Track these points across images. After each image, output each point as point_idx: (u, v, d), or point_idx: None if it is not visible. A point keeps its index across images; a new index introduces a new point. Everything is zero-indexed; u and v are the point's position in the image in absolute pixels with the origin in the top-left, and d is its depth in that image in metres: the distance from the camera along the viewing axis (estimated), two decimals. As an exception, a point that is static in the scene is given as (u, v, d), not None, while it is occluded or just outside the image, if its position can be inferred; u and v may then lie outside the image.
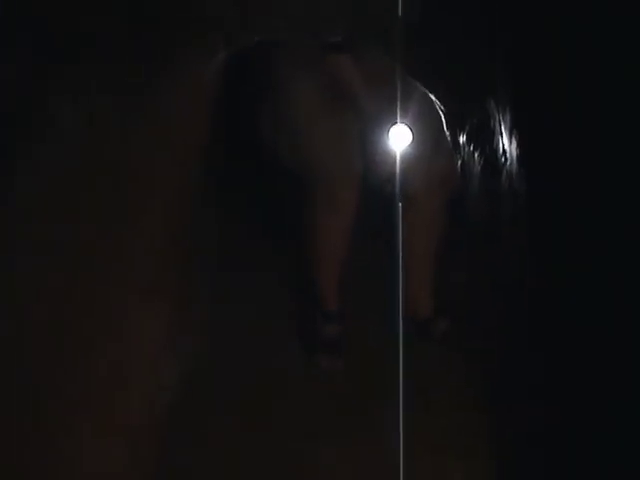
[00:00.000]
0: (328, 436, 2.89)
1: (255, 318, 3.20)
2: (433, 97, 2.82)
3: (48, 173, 2.27)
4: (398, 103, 2.79)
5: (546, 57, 2.70)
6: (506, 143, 2.94)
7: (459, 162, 2.88)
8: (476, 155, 2.99)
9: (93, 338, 2.22)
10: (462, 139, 2.86)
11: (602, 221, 2.72)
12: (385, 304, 3.14)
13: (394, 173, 2.88)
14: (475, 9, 2.77)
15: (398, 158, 2.84)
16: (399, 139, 2.81)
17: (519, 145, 2.95)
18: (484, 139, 2.96)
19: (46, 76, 2.35)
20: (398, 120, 2.81)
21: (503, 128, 2.93)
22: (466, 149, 2.94)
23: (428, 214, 2.95)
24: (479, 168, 2.98)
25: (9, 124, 2.30)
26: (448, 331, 3.04)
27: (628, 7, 2.78)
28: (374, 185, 3.01)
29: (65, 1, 2.50)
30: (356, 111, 2.88)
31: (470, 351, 2.98)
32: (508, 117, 2.90)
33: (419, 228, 2.99)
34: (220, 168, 3.14)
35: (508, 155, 2.95)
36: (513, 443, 2.69)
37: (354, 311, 3.18)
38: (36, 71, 2.38)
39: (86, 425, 2.21)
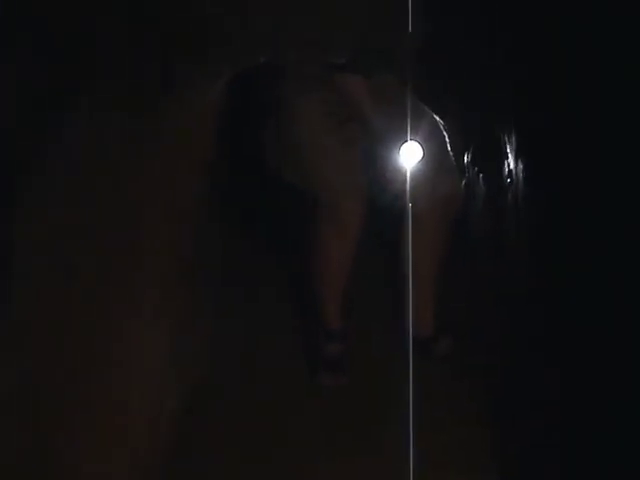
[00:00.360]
0: (330, 453, 2.88)
1: (258, 332, 3.19)
2: (438, 118, 2.84)
3: (51, 180, 2.29)
4: (408, 121, 2.79)
5: (549, 74, 2.72)
6: (511, 163, 2.97)
7: (463, 183, 2.89)
8: (481, 176, 3.00)
9: (96, 348, 2.22)
10: (466, 160, 2.87)
11: (604, 235, 2.74)
12: (389, 321, 3.15)
13: (404, 190, 2.87)
14: (478, 28, 2.79)
15: (408, 175, 2.83)
16: (409, 156, 2.81)
17: (525, 166, 2.98)
18: (489, 160, 2.97)
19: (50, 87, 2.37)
20: (408, 138, 2.81)
21: (508, 149, 2.95)
22: (470, 170, 2.96)
23: (432, 234, 2.96)
24: (484, 189, 2.99)
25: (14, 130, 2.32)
26: (450, 349, 3.03)
27: (628, 7, 2.79)
28: (380, 201, 3.01)
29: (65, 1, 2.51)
30: (364, 129, 2.88)
31: (473, 367, 2.98)
32: (513, 138, 2.93)
33: (423, 247, 2.99)
34: (224, 183, 3.13)
35: (514, 176, 2.98)
36: (516, 458, 2.70)
37: (357, 328, 3.17)
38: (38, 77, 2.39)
39: (87, 430, 2.20)
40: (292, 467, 2.82)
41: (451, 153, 2.84)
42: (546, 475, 2.63)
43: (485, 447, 2.82)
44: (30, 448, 2.05)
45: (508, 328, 2.97)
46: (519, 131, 2.93)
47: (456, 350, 3.03)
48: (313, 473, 2.83)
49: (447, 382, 2.97)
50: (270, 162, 2.91)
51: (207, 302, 2.91)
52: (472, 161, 2.95)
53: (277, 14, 2.48)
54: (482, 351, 3.00)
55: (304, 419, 2.95)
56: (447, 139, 2.83)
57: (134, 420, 2.34)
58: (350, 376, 3.04)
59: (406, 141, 2.83)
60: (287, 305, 3.24)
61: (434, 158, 2.83)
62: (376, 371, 3.05)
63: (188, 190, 2.55)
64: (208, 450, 2.83)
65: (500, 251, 3.09)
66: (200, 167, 2.63)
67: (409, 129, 2.81)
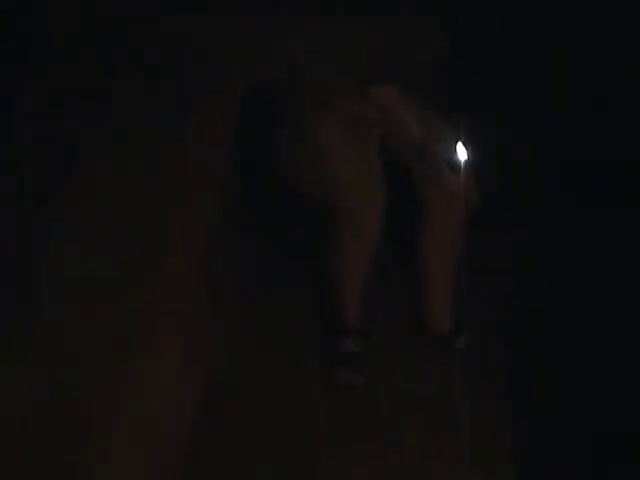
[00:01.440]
0: (346, 452, 2.91)
1: (272, 336, 3.22)
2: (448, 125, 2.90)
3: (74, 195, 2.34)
4: (462, 121, 2.86)
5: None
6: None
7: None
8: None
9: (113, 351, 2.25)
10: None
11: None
12: (405, 320, 3.19)
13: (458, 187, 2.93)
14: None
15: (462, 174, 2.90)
16: (462, 154, 2.88)
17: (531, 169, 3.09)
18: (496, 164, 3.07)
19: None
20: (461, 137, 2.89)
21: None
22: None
23: (448, 228, 3.01)
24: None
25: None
26: (468, 345, 3.08)
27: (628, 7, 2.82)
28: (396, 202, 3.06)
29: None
30: (403, 136, 2.93)
31: (488, 363, 3.04)
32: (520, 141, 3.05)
33: (440, 245, 3.05)
34: (240, 196, 3.16)
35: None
36: (533, 456, 2.74)
37: (375, 329, 3.20)
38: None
39: (105, 435, 2.23)
40: (296, 470, 2.84)
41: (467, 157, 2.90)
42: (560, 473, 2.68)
43: (502, 446, 2.85)
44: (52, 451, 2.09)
45: (524, 325, 3.05)
46: (525, 135, 3.03)
47: (474, 346, 3.07)
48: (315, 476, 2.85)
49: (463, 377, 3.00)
50: (289, 173, 2.94)
51: (222, 308, 2.94)
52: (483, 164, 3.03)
53: (294, 29, 2.53)
54: (497, 347, 3.05)
55: (316, 422, 2.97)
56: (462, 144, 2.88)
57: (149, 423, 2.36)
58: (365, 377, 3.06)
59: (459, 140, 2.89)
60: (302, 310, 3.27)
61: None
62: (392, 372, 3.08)
63: (205, 207, 2.58)
64: (218, 452, 2.85)
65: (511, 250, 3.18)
66: (216, 182, 2.65)
67: (462, 129, 2.87)
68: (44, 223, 2.22)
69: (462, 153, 2.78)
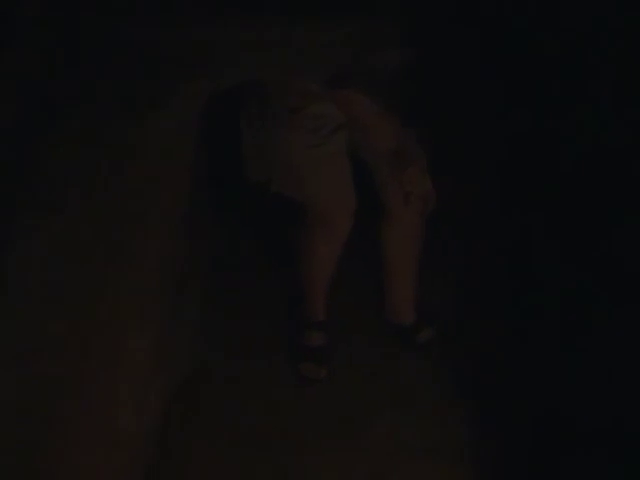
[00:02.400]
0: (315, 447, 2.94)
1: (246, 329, 3.27)
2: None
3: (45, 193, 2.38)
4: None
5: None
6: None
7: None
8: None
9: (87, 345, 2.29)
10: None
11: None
12: (369, 314, 3.23)
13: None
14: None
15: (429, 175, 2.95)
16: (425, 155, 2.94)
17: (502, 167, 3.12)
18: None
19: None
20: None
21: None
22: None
23: (410, 228, 3.06)
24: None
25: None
26: (432, 339, 3.13)
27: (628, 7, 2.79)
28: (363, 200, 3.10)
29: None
30: (377, 141, 2.96)
31: (454, 359, 3.07)
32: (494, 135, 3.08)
33: (403, 241, 3.09)
34: (209, 195, 3.21)
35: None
36: (496, 450, 2.76)
37: (339, 323, 3.25)
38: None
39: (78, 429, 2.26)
40: (280, 465, 2.86)
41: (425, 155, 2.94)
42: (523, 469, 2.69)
43: (463, 439, 2.86)
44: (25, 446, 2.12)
45: (488, 321, 3.09)
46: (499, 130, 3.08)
47: (437, 341, 3.12)
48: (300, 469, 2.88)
49: (428, 374, 3.04)
50: (257, 176, 2.97)
51: (193, 308, 2.98)
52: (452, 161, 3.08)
53: (263, 31, 2.55)
54: (463, 342, 3.08)
55: (289, 417, 3.00)
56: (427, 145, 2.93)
57: (121, 423, 2.38)
58: (332, 371, 3.10)
59: (426, 141, 2.94)
60: (270, 302, 3.32)
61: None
62: (358, 366, 3.13)
63: (174, 209, 2.61)
64: (193, 449, 2.89)
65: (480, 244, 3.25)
66: (186, 185, 2.68)
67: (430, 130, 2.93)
68: (9, 224, 2.27)
69: (426, 153, 2.82)
